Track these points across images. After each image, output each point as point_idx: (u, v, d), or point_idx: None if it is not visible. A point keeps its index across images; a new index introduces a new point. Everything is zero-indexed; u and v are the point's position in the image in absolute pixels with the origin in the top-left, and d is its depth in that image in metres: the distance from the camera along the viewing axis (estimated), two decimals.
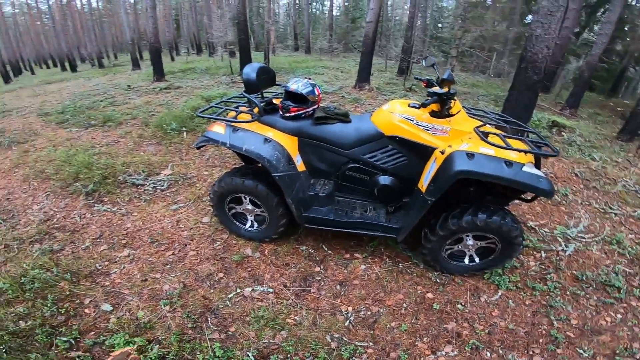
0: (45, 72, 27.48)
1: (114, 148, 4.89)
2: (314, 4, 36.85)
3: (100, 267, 2.80)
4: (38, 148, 5.03)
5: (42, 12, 34.90)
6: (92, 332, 2.25)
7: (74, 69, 22.48)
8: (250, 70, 2.68)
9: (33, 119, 6.47)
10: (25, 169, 4.38)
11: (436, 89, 2.52)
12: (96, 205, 3.61)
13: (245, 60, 10.70)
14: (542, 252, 3.12)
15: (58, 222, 3.37)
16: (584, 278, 2.84)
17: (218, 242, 3.10)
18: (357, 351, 2.20)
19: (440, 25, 24.76)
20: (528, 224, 3.46)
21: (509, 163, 2.21)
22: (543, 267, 2.96)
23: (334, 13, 28.48)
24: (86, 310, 2.41)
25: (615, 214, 3.74)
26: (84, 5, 32.43)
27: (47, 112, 6.78)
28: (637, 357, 2.27)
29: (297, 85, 2.68)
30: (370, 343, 2.27)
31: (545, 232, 3.38)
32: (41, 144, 5.19)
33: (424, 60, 2.97)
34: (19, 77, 24.11)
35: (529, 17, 16.28)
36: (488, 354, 2.23)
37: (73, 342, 2.17)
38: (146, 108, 6.58)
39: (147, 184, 3.97)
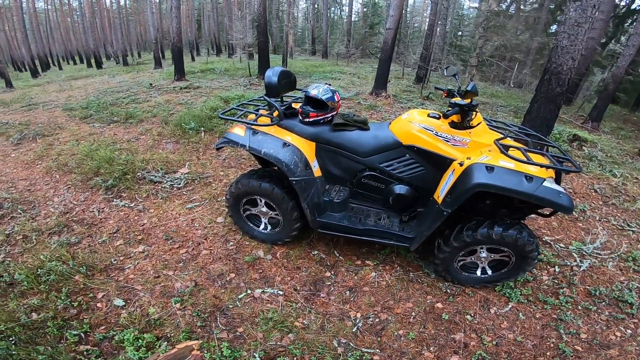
0: (72, 67, 28.34)
1: (134, 144, 5.02)
2: (333, 8, 37.02)
3: (115, 262, 2.88)
4: (62, 141, 5.20)
5: (73, 9, 36.01)
6: (103, 327, 2.31)
7: (99, 65, 23.10)
8: (272, 74, 2.72)
9: (58, 113, 6.68)
10: (48, 162, 4.53)
11: (457, 99, 2.50)
12: (115, 200, 3.71)
13: (264, 62, 10.81)
14: (556, 266, 3.06)
15: (77, 215, 3.47)
16: (597, 293, 2.79)
17: (231, 243, 3.14)
18: (364, 357, 2.20)
19: (460, 33, 24.52)
20: (543, 239, 3.40)
21: (529, 177, 2.17)
22: (556, 281, 2.91)
23: (353, 18, 28.53)
24: (98, 305, 2.47)
25: (633, 232, 3.64)
26: (112, 3, 33.35)
27: (72, 107, 6.99)
28: None
29: (318, 90, 2.70)
30: (377, 350, 2.26)
31: (561, 247, 3.31)
32: (65, 137, 5.36)
33: (445, 70, 2.96)
34: (47, 72, 24.90)
35: (554, 27, 15.99)
36: None
37: (83, 335, 2.23)
38: (166, 106, 6.72)
39: (165, 181, 4.06)
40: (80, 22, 28.91)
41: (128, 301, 2.50)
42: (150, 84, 9.33)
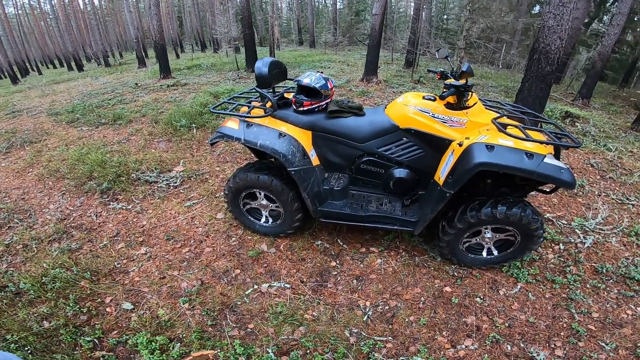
0: (52, 72, 27.60)
1: (125, 146, 4.92)
2: None
3: (119, 266, 2.83)
4: (51, 147, 5.07)
5: (45, 12, 34.93)
6: (115, 331, 2.27)
7: (80, 68, 22.53)
8: (262, 65, 2.66)
9: (44, 119, 6.52)
10: (40, 169, 4.42)
11: (452, 81, 2.48)
12: (111, 203, 3.64)
13: (251, 55, 10.66)
14: (561, 244, 3.07)
15: (75, 221, 3.40)
16: (604, 271, 2.79)
17: (233, 238, 3.11)
18: (377, 346, 2.20)
19: (445, 16, 24.43)
20: (545, 216, 3.42)
21: (529, 155, 2.17)
22: (562, 259, 2.92)
23: (338, 6, 28.20)
24: (107, 309, 2.43)
25: (633, 205, 3.67)
26: (86, 4, 32.39)
27: (57, 111, 6.82)
28: None
29: (310, 79, 2.65)
30: (390, 337, 2.26)
31: (563, 224, 3.33)
32: (53, 143, 5.23)
33: (437, 52, 2.94)
34: (26, 77, 24.21)
35: (537, 8, 16.02)
36: (509, 348, 2.21)
37: (97, 342, 2.20)
38: (155, 105, 6.59)
39: (160, 181, 3.99)
40: (55, 25, 28.02)
41: (136, 304, 2.47)
42: (136, 84, 9.14)
